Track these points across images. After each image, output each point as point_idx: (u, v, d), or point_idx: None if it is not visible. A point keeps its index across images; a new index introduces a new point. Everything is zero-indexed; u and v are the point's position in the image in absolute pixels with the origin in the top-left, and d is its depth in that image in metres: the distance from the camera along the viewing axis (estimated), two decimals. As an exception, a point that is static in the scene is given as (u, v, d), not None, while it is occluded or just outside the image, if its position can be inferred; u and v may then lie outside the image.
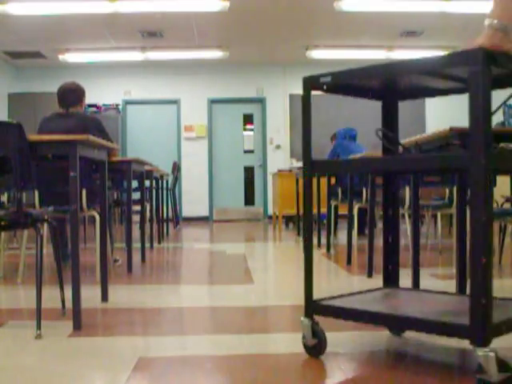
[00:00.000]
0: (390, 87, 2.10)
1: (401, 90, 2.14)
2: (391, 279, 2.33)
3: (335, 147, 6.49)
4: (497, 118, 8.97)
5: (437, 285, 3.47)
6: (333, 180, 5.59)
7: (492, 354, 1.52)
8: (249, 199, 11.19)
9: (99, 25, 8.26)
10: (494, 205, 5.13)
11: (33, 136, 2.44)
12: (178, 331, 2.42)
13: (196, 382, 1.79)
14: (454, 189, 2.62)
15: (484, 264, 1.55)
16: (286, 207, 7.75)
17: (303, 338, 1.98)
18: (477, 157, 1.54)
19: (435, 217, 5.50)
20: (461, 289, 2.26)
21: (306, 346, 1.98)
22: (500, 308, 1.87)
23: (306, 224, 1.98)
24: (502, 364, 1.51)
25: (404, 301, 2.09)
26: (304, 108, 1.94)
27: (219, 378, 1.83)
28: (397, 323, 1.78)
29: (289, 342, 2.22)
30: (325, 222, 6.48)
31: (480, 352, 1.53)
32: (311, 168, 1.92)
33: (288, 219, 8.71)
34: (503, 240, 4.32)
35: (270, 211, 10.45)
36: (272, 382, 1.76)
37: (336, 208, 6.08)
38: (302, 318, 1.96)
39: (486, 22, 1.61)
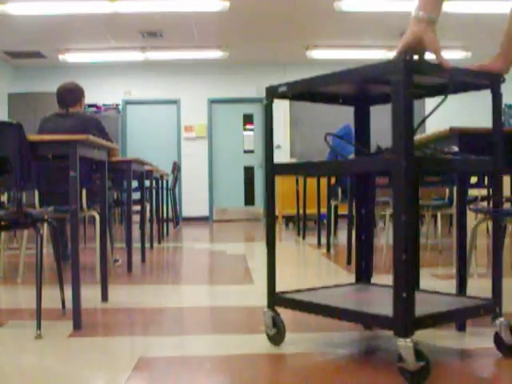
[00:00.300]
0: (361, 93, 2.20)
1: (371, 96, 2.23)
2: (364, 275, 2.47)
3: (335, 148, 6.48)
4: (497, 118, 8.98)
5: (437, 285, 3.47)
6: (333, 180, 5.59)
7: (410, 345, 1.61)
8: (249, 199, 11.19)
9: (99, 25, 8.26)
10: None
11: (33, 136, 2.44)
12: (178, 331, 2.42)
13: (196, 382, 1.79)
14: (454, 189, 2.62)
15: (404, 260, 1.65)
16: (286, 207, 7.75)
17: (265, 327, 2.11)
18: (398, 160, 1.64)
19: (435, 217, 5.50)
20: (461, 289, 2.26)
21: (267, 335, 2.12)
22: (431, 302, 1.99)
23: (269, 221, 2.13)
24: (418, 354, 1.61)
25: (360, 295, 2.19)
26: (266, 116, 2.09)
27: (219, 377, 1.83)
28: (337, 314, 1.90)
29: (289, 342, 2.22)
30: (325, 221, 6.48)
31: (400, 342, 1.63)
32: (273, 170, 2.08)
33: (288, 219, 8.71)
34: (503, 240, 4.32)
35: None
36: (272, 382, 1.76)
37: (336, 208, 6.08)
38: (265, 309, 2.10)
39: (413, 13, 1.71)
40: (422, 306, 1.85)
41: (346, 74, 1.81)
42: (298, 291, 2.23)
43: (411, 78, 1.65)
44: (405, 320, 1.65)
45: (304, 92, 2.12)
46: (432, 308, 1.87)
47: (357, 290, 2.31)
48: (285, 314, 2.70)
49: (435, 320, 1.78)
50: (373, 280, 3.70)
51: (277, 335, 2.11)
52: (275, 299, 2.10)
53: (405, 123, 1.64)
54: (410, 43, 1.72)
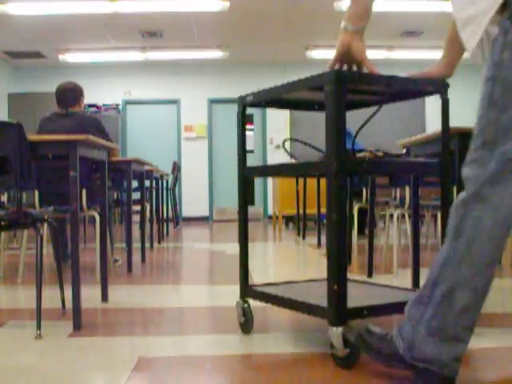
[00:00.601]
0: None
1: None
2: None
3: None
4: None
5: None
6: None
7: (339, 333, 1.79)
8: (249, 199, 11.19)
9: (99, 25, 8.26)
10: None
11: (33, 136, 2.44)
12: (178, 331, 2.42)
13: (196, 382, 1.79)
14: (454, 189, 2.62)
15: (335, 257, 1.86)
16: (286, 207, 7.75)
17: (237, 316, 2.30)
18: (330, 163, 1.79)
19: (435, 217, 5.50)
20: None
21: (239, 323, 2.30)
22: (372, 295, 2.21)
23: (241, 219, 2.33)
24: (346, 341, 1.79)
25: (319, 289, 2.29)
26: (238, 123, 2.27)
27: (219, 378, 1.83)
28: (288, 305, 2.08)
29: (289, 342, 2.22)
30: (325, 221, 6.48)
31: (331, 330, 1.81)
32: (247, 173, 2.26)
33: (288, 219, 8.71)
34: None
35: (270, 211, 10.46)
36: (272, 382, 1.76)
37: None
38: (237, 300, 2.29)
39: (342, 24, 1.84)
40: (365, 299, 2.08)
41: (295, 84, 1.96)
42: (271, 284, 2.43)
43: (343, 87, 1.77)
44: (337, 311, 1.81)
45: (275, 100, 2.26)
46: (375, 300, 2.05)
47: (320, 284, 2.41)
48: (285, 313, 2.70)
49: (368, 312, 1.91)
50: (373, 279, 3.71)
51: (246, 324, 2.30)
52: (246, 291, 2.29)
53: (336, 129, 1.77)
54: (340, 52, 1.85)
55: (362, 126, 2.04)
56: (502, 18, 1.51)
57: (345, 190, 1.81)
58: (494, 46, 1.53)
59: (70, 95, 4.15)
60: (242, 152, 2.28)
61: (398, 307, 1.92)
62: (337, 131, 1.76)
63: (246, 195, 2.32)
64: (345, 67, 1.89)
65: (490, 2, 1.54)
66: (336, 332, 1.79)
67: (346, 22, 1.84)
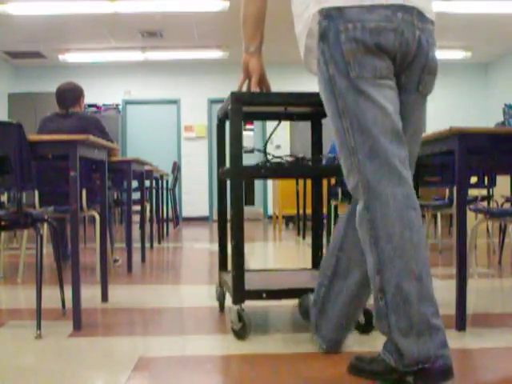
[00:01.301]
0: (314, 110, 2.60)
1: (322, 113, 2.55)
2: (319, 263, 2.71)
3: (332, 147, 6.49)
4: (497, 118, 8.99)
5: (437, 284, 3.47)
6: (333, 180, 5.59)
7: (235, 310, 2.19)
8: (248, 200, 11.19)
9: (99, 25, 8.26)
10: (494, 205, 5.13)
11: (33, 136, 2.44)
12: (178, 331, 2.42)
13: (196, 381, 1.79)
14: (454, 189, 2.62)
15: (234, 247, 2.18)
16: (286, 207, 7.75)
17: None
18: (232, 169, 2.20)
19: (435, 217, 5.51)
20: (461, 289, 2.26)
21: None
22: (272, 281, 2.54)
23: (220, 221, 2.75)
24: (240, 317, 2.19)
25: (282, 277, 2.64)
26: (218, 135, 2.58)
27: (219, 377, 1.83)
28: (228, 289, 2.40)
29: (289, 342, 2.22)
30: (325, 221, 6.48)
31: (231, 308, 2.21)
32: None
33: (288, 219, 8.71)
34: (503, 240, 4.32)
35: (270, 211, 10.46)
36: (272, 382, 1.76)
37: (336, 208, 6.08)
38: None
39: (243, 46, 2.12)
40: (270, 284, 2.42)
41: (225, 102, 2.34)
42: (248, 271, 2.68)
43: (239, 106, 2.18)
44: (235, 292, 2.20)
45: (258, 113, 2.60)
46: (276, 286, 2.41)
47: (294, 273, 2.74)
48: (285, 314, 2.70)
49: (268, 294, 2.28)
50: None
51: (220, 305, 2.69)
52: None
53: (235, 142, 2.18)
54: (243, 69, 2.19)
55: (267, 142, 2.71)
56: (318, 40, 1.73)
57: (241, 191, 2.17)
58: (320, 63, 1.74)
59: (70, 95, 4.15)
60: (221, 156, 2.51)
61: (297, 292, 2.34)
62: (235, 143, 2.17)
63: (225, 198, 2.48)
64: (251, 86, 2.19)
65: (302, 26, 1.79)
66: (233, 309, 2.21)
67: (243, 44, 2.14)
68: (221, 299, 2.75)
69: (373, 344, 2.15)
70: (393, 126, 1.68)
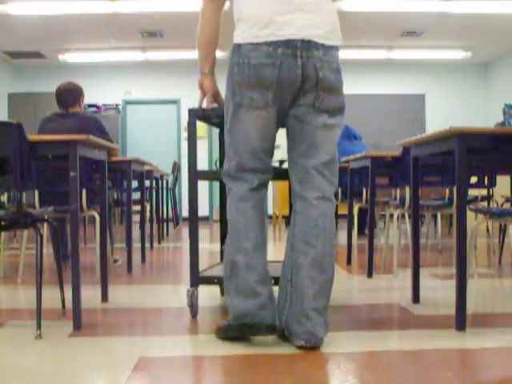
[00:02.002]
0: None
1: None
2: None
3: None
4: (497, 118, 8.99)
5: (437, 285, 3.47)
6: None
7: (190, 290, 2.61)
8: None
9: (99, 25, 8.26)
10: (494, 205, 5.13)
11: (33, 136, 2.44)
12: (178, 331, 2.42)
13: (196, 382, 1.79)
14: (454, 189, 2.62)
15: (192, 238, 2.58)
16: (286, 207, 7.74)
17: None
18: (190, 172, 2.57)
19: (435, 217, 5.50)
20: (460, 289, 2.26)
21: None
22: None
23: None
24: (192, 296, 2.62)
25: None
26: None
27: (219, 377, 1.83)
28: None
29: (288, 342, 2.22)
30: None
31: (187, 290, 2.62)
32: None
33: (288, 219, 8.69)
34: (503, 240, 4.32)
35: (270, 211, 10.46)
36: (272, 382, 1.76)
37: (336, 208, 6.07)
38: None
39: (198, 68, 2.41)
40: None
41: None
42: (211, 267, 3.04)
43: (193, 120, 2.59)
44: (191, 276, 2.62)
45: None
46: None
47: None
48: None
49: (218, 280, 2.61)
50: (373, 279, 3.71)
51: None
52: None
53: (191, 149, 2.56)
54: (199, 88, 2.44)
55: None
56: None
57: (195, 193, 2.55)
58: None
59: (69, 95, 4.15)
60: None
61: None
62: (191, 150, 2.56)
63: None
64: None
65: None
66: (189, 290, 2.61)
67: (199, 66, 2.40)
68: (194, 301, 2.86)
69: (372, 344, 2.15)
70: (252, 148, 2.15)
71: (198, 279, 2.62)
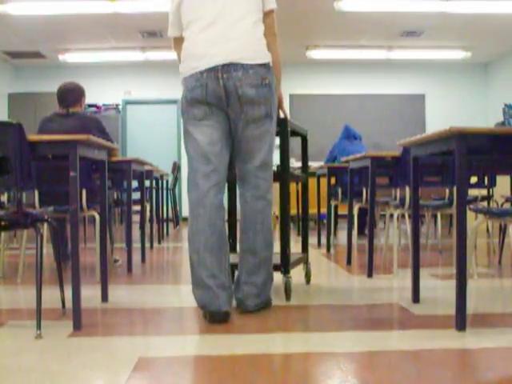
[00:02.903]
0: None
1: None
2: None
3: (333, 148, 6.49)
4: (497, 118, 8.99)
5: (437, 285, 3.47)
6: (333, 180, 5.58)
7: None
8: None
9: (99, 25, 8.26)
10: (494, 205, 5.13)
11: (33, 136, 2.44)
12: (178, 331, 2.42)
13: (196, 382, 1.79)
14: (454, 189, 2.62)
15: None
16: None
17: None
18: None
19: (435, 217, 5.50)
20: (461, 289, 2.26)
21: None
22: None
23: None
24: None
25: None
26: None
27: (219, 377, 1.83)
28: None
29: (288, 342, 2.22)
30: (325, 221, 6.48)
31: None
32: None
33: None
34: (503, 240, 4.32)
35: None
36: (272, 382, 1.76)
37: (336, 208, 6.07)
38: None
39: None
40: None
41: None
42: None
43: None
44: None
45: None
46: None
47: None
48: (285, 314, 2.70)
49: None
50: (373, 279, 3.71)
51: None
52: None
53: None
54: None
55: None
56: None
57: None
58: None
59: (70, 95, 4.15)
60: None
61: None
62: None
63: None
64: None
65: None
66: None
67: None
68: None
69: (372, 344, 2.15)
70: (202, 152, 2.60)
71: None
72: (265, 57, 2.59)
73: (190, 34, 2.61)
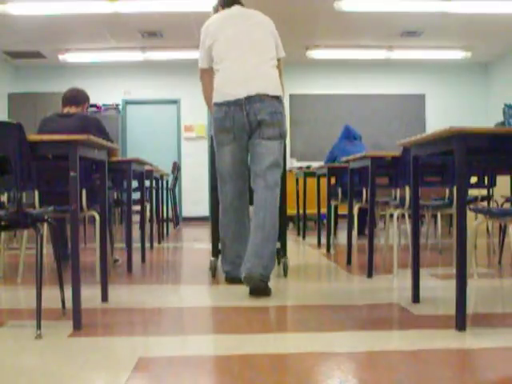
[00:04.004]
0: None
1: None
2: None
3: (333, 148, 6.49)
4: (497, 118, 8.99)
5: (437, 285, 3.47)
6: (333, 180, 5.58)
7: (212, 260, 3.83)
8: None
9: (99, 25, 8.26)
10: (494, 205, 5.13)
11: (33, 136, 2.44)
12: (178, 331, 2.42)
13: (196, 382, 1.79)
14: (454, 189, 2.62)
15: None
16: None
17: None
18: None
19: (435, 217, 5.50)
20: (461, 288, 2.26)
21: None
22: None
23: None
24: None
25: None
26: None
27: (219, 377, 1.83)
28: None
29: (288, 342, 2.22)
30: (325, 221, 6.48)
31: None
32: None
33: (288, 219, 8.71)
34: (503, 240, 4.32)
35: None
36: (272, 382, 1.76)
37: (336, 208, 6.07)
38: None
39: None
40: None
41: None
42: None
43: None
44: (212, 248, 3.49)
45: None
46: None
47: None
48: (285, 314, 2.70)
49: None
50: (373, 279, 3.71)
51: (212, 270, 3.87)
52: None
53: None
54: None
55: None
56: None
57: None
58: None
59: (74, 99, 4.27)
60: None
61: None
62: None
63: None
64: None
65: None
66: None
67: (209, 108, 3.55)
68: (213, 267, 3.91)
69: (372, 344, 2.15)
70: (228, 169, 3.41)
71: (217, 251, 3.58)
72: (278, 92, 3.33)
73: (223, 68, 3.32)
